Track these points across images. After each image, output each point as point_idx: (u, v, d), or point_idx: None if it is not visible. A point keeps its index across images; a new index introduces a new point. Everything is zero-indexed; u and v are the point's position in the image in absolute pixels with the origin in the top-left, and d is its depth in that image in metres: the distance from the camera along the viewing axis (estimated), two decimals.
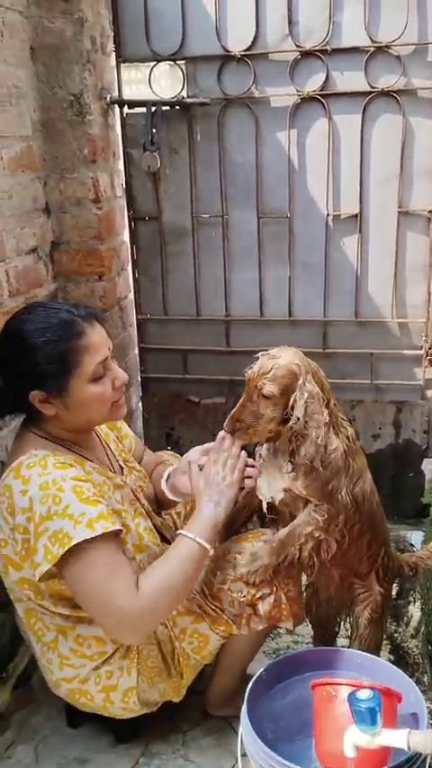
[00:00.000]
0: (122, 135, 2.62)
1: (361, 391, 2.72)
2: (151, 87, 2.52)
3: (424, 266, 2.54)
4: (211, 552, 1.59)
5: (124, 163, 2.65)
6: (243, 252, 2.66)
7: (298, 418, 1.57)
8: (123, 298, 2.76)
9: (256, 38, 2.42)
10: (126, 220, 2.71)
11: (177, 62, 2.50)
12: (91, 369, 1.54)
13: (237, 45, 2.43)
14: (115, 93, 2.54)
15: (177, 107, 2.51)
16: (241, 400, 1.63)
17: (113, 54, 2.52)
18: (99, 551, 1.46)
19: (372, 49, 2.35)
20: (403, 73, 2.36)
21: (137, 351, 2.88)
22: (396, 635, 2.25)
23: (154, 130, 2.49)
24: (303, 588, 1.87)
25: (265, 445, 1.72)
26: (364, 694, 1.26)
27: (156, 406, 2.91)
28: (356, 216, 2.53)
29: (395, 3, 2.30)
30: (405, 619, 2.32)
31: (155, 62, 2.51)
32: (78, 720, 1.91)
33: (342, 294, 2.64)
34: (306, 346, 1.68)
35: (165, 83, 2.62)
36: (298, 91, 2.44)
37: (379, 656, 1.80)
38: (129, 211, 2.70)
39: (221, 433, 1.68)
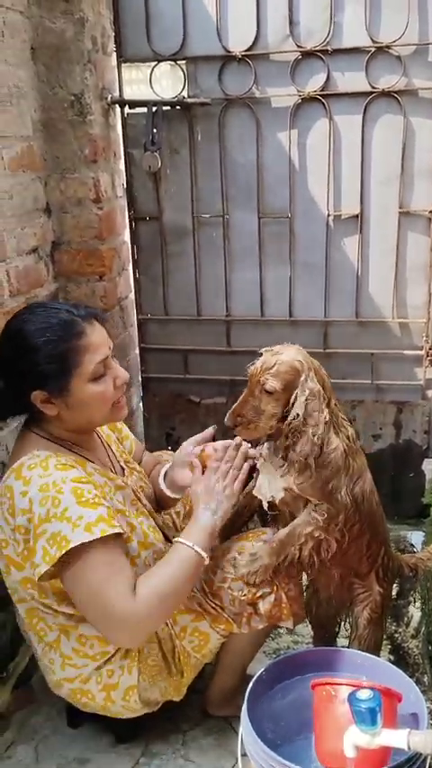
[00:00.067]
0: (123, 135, 2.62)
1: (361, 391, 2.72)
2: (152, 87, 2.52)
3: (424, 266, 2.54)
4: (207, 561, 1.59)
5: (125, 163, 2.65)
6: (244, 252, 2.66)
7: (297, 414, 1.57)
8: (124, 298, 2.76)
9: (256, 38, 2.42)
10: (127, 220, 2.72)
11: (178, 62, 2.50)
12: (91, 368, 1.54)
13: (238, 45, 2.43)
14: (116, 93, 2.54)
15: (178, 107, 2.51)
16: (243, 395, 1.64)
17: (114, 54, 2.52)
18: (97, 554, 1.46)
19: (372, 50, 2.35)
20: (404, 73, 2.36)
21: (137, 351, 2.88)
22: (396, 635, 2.25)
23: (155, 130, 2.49)
24: (304, 588, 1.87)
25: (266, 444, 1.72)
26: (364, 694, 1.26)
27: (156, 406, 2.91)
28: (357, 216, 2.53)
29: (396, 3, 2.30)
30: (405, 619, 2.32)
31: (156, 62, 2.51)
32: (78, 720, 1.91)
33: (343, 294, 2.64)
34: (307, 346, 1.68)
35: (165, 83, 2.63)
36: (299, 91, 2.44)
37: (379, 656, 1.80)
38: (129, 211, 2.70)
39: (230, 442, 1.69)
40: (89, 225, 2.43)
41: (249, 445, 1.73)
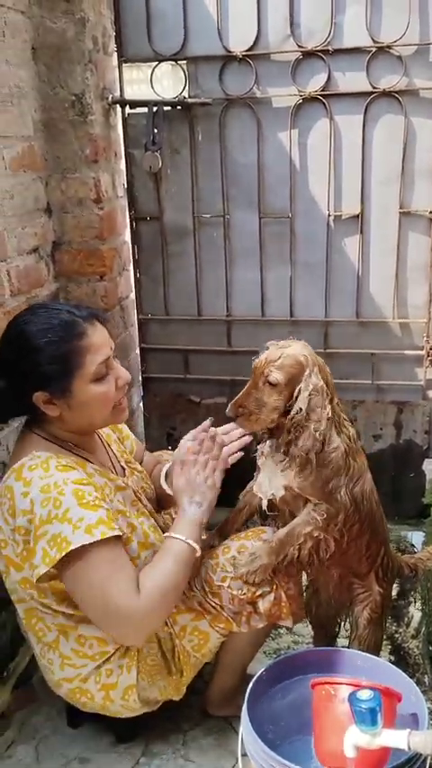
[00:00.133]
0: (124, 135, 2.62)
1: (362, 391, 2.72)
2: (153, 87, 2.52)
3: (425, 266, 2.54)
4: (198, 553, 1.60)
5: (126, 163, 2.66)
6: (244, 252, 2.66)
7: (300, 409, 1.57)
8: (125, 298, 2.76)
9: (257, 38, 2.42)
10: (127, 220, 2.72)
11: (179, 62, 2.50)
12: (93, 369, 1.54)
13: (238, 45, 2.43)
14: (117, 93, 2.54)
15: (179, 107, 2.51)
16: (246, 387, 1.64)
17: (115, 54, 2.52)
18: (98, 554, 1.46)
19: (373, 50, 2.35)
20: (405, 73, 2.36)
21: (138, 351, 2.88)
22: (396, 635, 2.25)
23: (155, 130, 2.49)
24: (303, 587, 1.87)
25: (267, 442, 1.72)
26: (364, 695, 1.25)
27: (157, 406, 2.91)
28: (358, 216, 2.53)
29: (397, 3, 2.30)
30: (405, 619, 2.32)
31: (156, 62, 2.52)
32: (79, 720, 1.91)
33: (343, 294, 2.64)
34: None
35: (166, 83, 2.63)
36: (299, 91, 2.44)
37: (379, 656, 1.80)
38: (130, 211, 2.70)
39: (201, 435, 1.71)
40: (90, 225, 2.43)
41: (245, 434, 1.74)
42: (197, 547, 1.58)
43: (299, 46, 2.40)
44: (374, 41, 2.34)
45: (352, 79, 2.41)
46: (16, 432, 1.68)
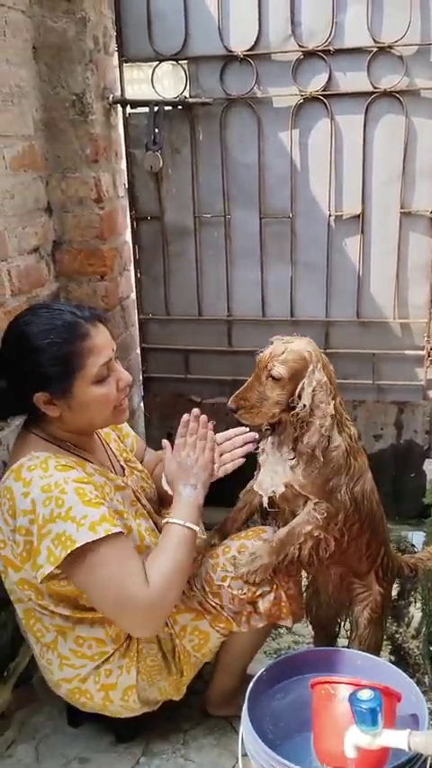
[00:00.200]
0: (125, 135, 2.62)
1: (363, 391, 2.72)
2: (154, 87, 2.52)
3: (426, 267, 2.54)
4: (199, 534, 1.61)
5: (126, 162, 2.65)
6: (245, 252, 2.66)
7: (304, 405, 1.58)
8: (125, 297, 2.76)
9: (258, 38, 2.41)
10: (128, 220, 2.72)
11: (180, 62, 2.50)
12: (95, 371, 1.54)
13: (239, 45, 2.43)
14: (118, 93, 2.54)
15: (180, 107, 2.51)
16: (249, 380, 1.64)
17: (116, 54, 2.52)
18: (105, 551, 1.46)
19: (374, 50, 2.35)
20: (406, 73, 2.36)
21: (139, 351, 2.88)
22: (397, 636, 2.25)
23: (156, 130, 2.49)
24: (303, 588, 1.87)
25: (269, 438, 1.72)
26: (364, 694, 1.25)
27: (157, 406, 2.91)
28: (359, 216, 2.53)
29: (398, 3, 2.30)
30: (406, 619, 2.32)
31: (157, 62, 2.51)
32: (79, 720, 1.91)
33: (344, 294, 2.63)
34: None
35: (167, 82, 2.63)
36: (300, 91, 2.44)
37: (379, 656, 1.80)
38: (131, 211, 2.70)
39: (185, 417, 1.72)
40: (90, 224, 2.43)
41: (248, 441, 1.74)
42: (196, 528, 1.60)
43: (300, 46, 2.40)
44: (375, 41, 2.34)
45: (353, 79, 2.41)
46: (16, 431, 1.68)
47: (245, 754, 1.47)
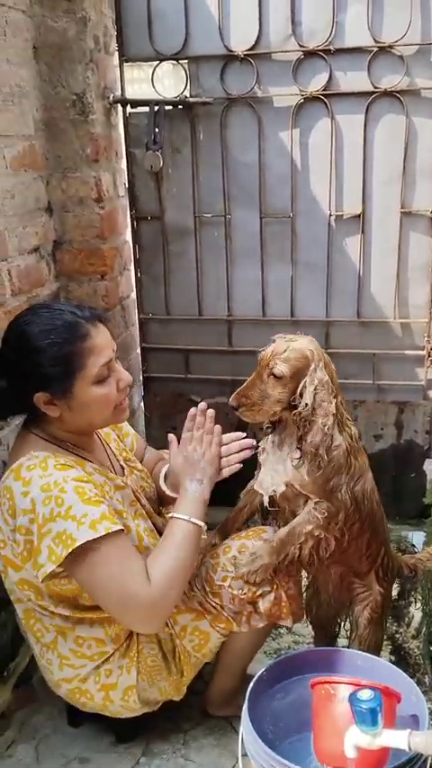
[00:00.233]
0: (125, 134, 2.62)
1: (363, 391, 2.72)
2: (154, 87, 2.52)
3: (426, 266, 2.54)
4: (205, 529, 1.60)
5: (127, 162, 2.65)
6: (245, 252, 2.66)
7: (306, 404, 1.57)
8: (125, 297, 2.76)
9: (259, 37, 2.41)
10: (128, 220, 2.72)
11: (180, 61, 2.50)
12: (95, 371, 1.54)
13: (240, 45, 2.43)
14: (118, 93, 2.54)
15: (180, 106, 2.51)
16: (251, 378, 1.64)
17: (116, 53, 2.52)
18: (105, 549, 1.46)
19: (375, 49, 2.35)
20: (406, 73, 2.36)
21: (139, 350, 2.88)
22: (397, 636, 2.25)
23: (157, 130, 2.49)
24: (304, 588, 1.87)
25: (269, 437, 1.72)
26: (365, 695, 1.25)
27: (158, 406, 2.91)
28: (359, 216, 2.53)
29: (398, 3, 2.29)
30: (406, 619, 2.32)
31: (158, 61, 2.51)
32: (79, 720, 1.91)
33: (344, 294, 2.63)
34: None
35: (168, 82, 2.63)
36: (301, 91, 2.44)
37: (379, 656, 1.80)
38: (131, 211, 2.70)
39: (192, 410, 1.71)
40: (91, 224, 2.43)
41: (245, 447, 1.73)
42: (202, 524, 1.59)
43: (300, 45, 2.40)
44: (376, 41, 2.34)
45: (353, 79, 2.40)
46: (16, 431, 1.68)
47: (245, 754, 1.47)
